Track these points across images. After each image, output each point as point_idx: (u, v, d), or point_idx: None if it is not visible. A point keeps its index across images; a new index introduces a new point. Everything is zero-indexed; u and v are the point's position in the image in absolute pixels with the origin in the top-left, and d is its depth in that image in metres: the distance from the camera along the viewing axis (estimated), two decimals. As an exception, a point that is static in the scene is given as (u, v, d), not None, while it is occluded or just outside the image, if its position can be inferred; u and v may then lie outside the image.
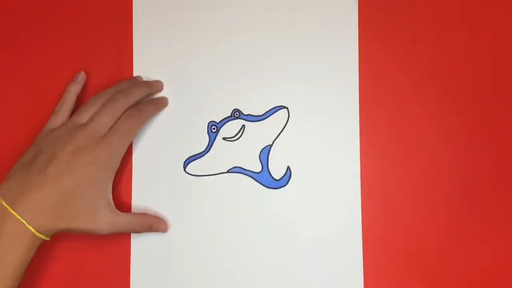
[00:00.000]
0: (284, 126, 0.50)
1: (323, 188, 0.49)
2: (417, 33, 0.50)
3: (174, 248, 0.49)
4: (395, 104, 0.50)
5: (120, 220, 0.45)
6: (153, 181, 0.50)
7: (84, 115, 0.46)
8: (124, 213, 0.47)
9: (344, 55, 0.50)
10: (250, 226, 0.49)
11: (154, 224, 0.48)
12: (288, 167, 0.49)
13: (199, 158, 0.50)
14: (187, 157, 0.50)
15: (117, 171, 0.46)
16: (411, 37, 0.50)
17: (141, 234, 0.49)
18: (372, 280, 0.48)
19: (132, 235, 0.49)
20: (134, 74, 0.50)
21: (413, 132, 0.49)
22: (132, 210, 0.50)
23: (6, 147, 0.50)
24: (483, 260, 0.48)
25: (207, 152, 0.50)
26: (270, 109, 0.50)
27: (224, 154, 0.50)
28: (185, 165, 0.50)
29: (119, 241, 0.49)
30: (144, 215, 0.48)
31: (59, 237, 0.46)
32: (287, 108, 0.50)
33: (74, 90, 0.49)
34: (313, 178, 0.49)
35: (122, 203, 0.49)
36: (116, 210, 0.46)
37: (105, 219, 0.44)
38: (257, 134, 0.50)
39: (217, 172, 0.50)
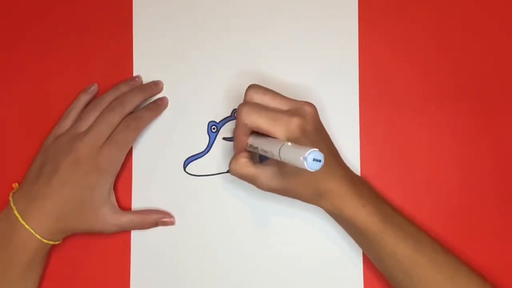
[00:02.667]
0: (284, 126, 0.49)
1: (323, 188, 0.49)
2: (417, 33, 0.50)
3: (174, 248, 0.49)
4: (395, 104, 0.50)
5: (124, 220, 0.47)
6: (153, 181, 0.50)
7: (83, 124, 0.47)
8: (129, 212, 0.48)
9: (344, 55, 0.50)
10: (250, 226, 0.49)
11: (159, 220, 0.49)
12: (288, 167, 0.49)
13: (199, 158, 0.50)
14: (187, 157, 0.50)
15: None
16: (411, 37, 0.50)
17: (142, 233, 0.49)
18: (372, 282, 0.48)
19: (132, 235, 0.49)
20: (134, 74, 0.51)
21: (413, 132, 0.49)
22: (132, 210, 0.50)
23: (6, 146, 0.51)
24: (483, 260, 0.48)
25: (207, 152, 0.50)
26: (270, 109, 0.50)
27: (224, 154, 0.50)
28: (185, 165, 0.50)
29: (119, 241, 0.49)
30: (149, 211, 0.49)
31: (59, 237, 0.47)
32: (287, 108, 0.50)
33: (84, 99, 0.50)
34: (313, 178, 0.49)
35: (122, 203, 0.49)
36: (120, 211, 0.47)
37: (109, 220, 0.47)
38: (257, 134, 0.50)
39: (217, 172, 0.50)
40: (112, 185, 0.47)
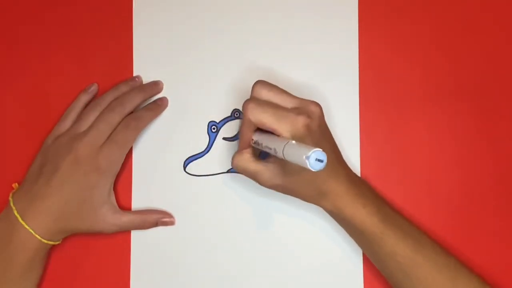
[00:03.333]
0: (284, 126, 0.49)
1: (323, 188, 0.49)
2: (417, 33, 0.50)
3: (174, 248, 0.49)
4: (395, 104, 0.50)
5: (124, 220, 0.47)
6: (153, 181, 0.50)
7: (83, 124, 0.47)
8: (129, 212, 0.48)
9: (344, 55, 0.50)
10: (250, 226, 0.49)
11: (159, 220, 0.49)
12: (288, 167, 0.49)
13: (199, 158, 0.50)
14: (187, 157, 0.50)
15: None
16: (411, 37, 0.50)
17: (142, 233, 0.49)
18: (372, 282, 0.48)
19: (132, 235, 0.49)
20: (134, 74, 0.51)
21: (413, 132, 0.49)
22: (132, 210, 0.50)
23: (6, 146, 0.51)
24: (483, 261, 0.48)
25: (207, 152, 0.50)
26: (270, 109, 0.50)
27: (224, 154, 0.50)
28: (185, 165, 0.50)
29: (119, 241, 0.49)
30: (149, 211, 0.49)
31: (59, 237, 0.47)
32: (287, 108, 0.50)
33: (84, 99, 0.50)
34: (313, 178, 0.49)
35: (122, 203, 0.49)
36: (120, 211, 0.47)
37: (108, 220, 0.47)
38: (257, 134, 0.50)
39: (217, 172, 0.50)
40: (112, 185, 0.47)
